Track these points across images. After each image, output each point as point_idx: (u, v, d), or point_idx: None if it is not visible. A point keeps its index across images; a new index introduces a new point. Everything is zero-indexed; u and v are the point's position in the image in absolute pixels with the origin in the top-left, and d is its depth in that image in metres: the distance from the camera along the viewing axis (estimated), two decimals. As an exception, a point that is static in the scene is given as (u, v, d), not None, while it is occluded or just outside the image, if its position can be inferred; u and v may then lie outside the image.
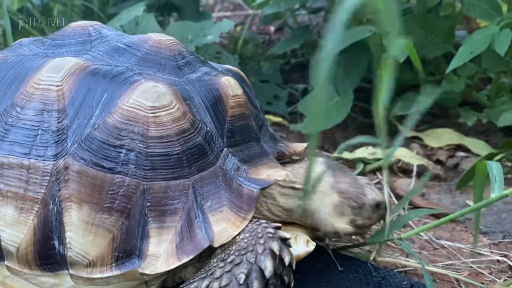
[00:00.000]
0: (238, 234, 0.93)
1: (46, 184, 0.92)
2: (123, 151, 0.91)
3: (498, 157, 1.67)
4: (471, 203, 1.57)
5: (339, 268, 1.15)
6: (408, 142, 2.02)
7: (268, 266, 0.87)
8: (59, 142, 0.93)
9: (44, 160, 0.93)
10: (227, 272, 0.88)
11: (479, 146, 1.91)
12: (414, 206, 1.56)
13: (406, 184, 1.69)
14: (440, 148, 1.96)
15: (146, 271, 0.90)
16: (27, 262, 0.93)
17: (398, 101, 1.99)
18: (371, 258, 1.23)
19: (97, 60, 1.02)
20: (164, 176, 0.92)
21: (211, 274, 0.89)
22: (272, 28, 3.48)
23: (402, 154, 1.84)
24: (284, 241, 0.92)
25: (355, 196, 1.10)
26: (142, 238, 0.91)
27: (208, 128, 0.99)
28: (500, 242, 1.38)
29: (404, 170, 1.81)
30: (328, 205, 1.10)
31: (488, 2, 1.81)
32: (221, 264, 0.90)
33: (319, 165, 1.14)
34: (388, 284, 1.12)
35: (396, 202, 1.59)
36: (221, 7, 4.06)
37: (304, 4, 2.56)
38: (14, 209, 0.92)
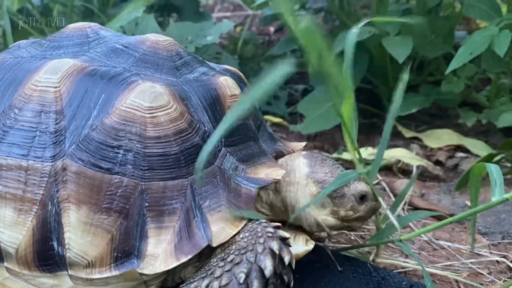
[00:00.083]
0: (238, 234, 0.93)
1: (44, 185, 0.92)
2: (121, 151, 0.92)
3: (498, 157, 1.67)
4: (470, 203, 1.58)
5: (339, 268, 1.15)
6: (407, 143, 2.02)
7: (268, 265, 0.87)
8: (57, 143, 0.94)
9: (43, 161, 0.93)
10: (227, 271, 0.88)
11: (478, 147, 1.91)
12: (413, 207, 1.56)
13: (405, 184, 1.69)
14: (439, 148, 1.96)
15: (145, 271, 0.90)
16: (27, 263, 0.93)
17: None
18: (371, 258, 1.23)
19: (95, 61, 1.02)
20: (162, 176, 0.93)
21: (211, 273, 0.90)
22: (272, 29, 3.48)
23: (402, 154, 1.84)
24: (284, 241, 0.92)
25: None
26: (141, 238, 0.91)
27: (206, 128, 0.99)
28: (499, 242, 1.38)
29: (404, 171, 1.81)
30: (307, 196, 1.07)
31: (487, 3, 1.81)
32: (221, 264, 0.90)
33: (299, 157, 1.12)
34: (387, 284, 1.11)
35: (399, 204, 1.59)
36: (220, 7, 4.06)
37: (304, 4, 2.56)
38: (13, 210, 0.93)
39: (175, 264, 0.89)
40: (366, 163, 1.80)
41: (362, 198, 1.08)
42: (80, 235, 0.90)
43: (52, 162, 0.93)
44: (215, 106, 1.02)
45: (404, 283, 1.12)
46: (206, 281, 0.89)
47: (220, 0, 4.11)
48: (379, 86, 2.22)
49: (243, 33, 2.85)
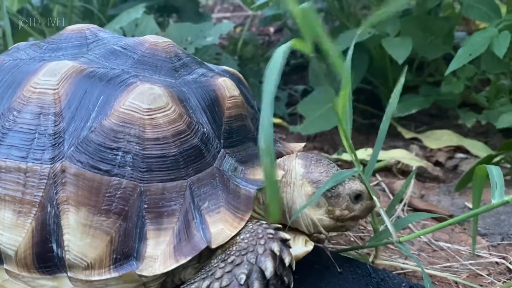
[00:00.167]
0: (239, 235, 0.93)
1: (43, 187, 0.92)
2: (120, 153, 0.92)
3: (497, 158, 1.67)
4: (470, 204, 1.57)
5: (338, 270, 1.15)
6: (407, 144, 2.02)
7: (268, 266, 0.88)
8: (56, 145, 0.94)
9: (42, 163, 0.93)
10: (227, 272, 0.88)
11: (478, 148, 1.91)
12: (413, 208, 1.56)
13: (405, 186, 1.69)
14: (439, 149, 1.96)
15: (144, 273, 0.90)
16: (26, 265, 0.93)
17: (397, 102, 1.99)
18: (370, 260, 1.23)
19: (94, 63, 1.02)
20: (161, 178, 0.93)
21: (212, 274, 0.90)
22: (271, 29, 3.48)
23: (401, 155, 1.84)
24: (285, 242, 0.92)
25: None
26: (140, 240, 0.91)
27: (205, 129, 0.99)
28: (499, 244, 1.38)
29: (404, 172, 1.81)
30: (302, 197, 1.07)
31: (487, 4, 1.81)
32: (222, 265, 0.90)
33: (295, 158, 1.11)
34: (387, 285, 1.11)
35: (396, 204, 1.59)
36: (220, 8, 4.06)
37: (303, 5, 2.55)
38: (12, 212, 0.93)
39: (174, 265, 0.89)
40: (364, 164, 1.81)
41: (357, 197, 1.08)
42: (79, 237, 0.90)
43: (51, 164, 0.93)
44: (214, 108, 1.02)
45: (403, 284, 1.12)
46: (206, 282, 0.89)
47: (220, 0, 4.11)
48: (379, 87, 2.22)
49: (243, 34, 2.85)
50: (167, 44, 1.08)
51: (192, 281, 0.92)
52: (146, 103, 0.93)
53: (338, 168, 1.11)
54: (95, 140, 0.92)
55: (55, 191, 0.92)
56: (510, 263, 1.28)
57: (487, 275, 1.23)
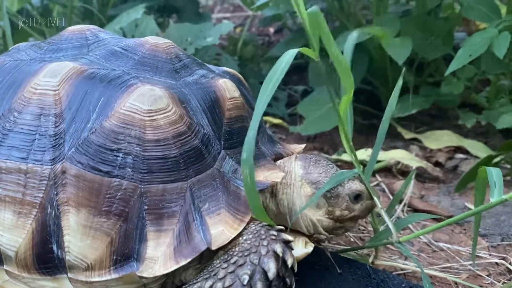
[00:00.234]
0: (241, 236, 0.93)
1: (44, 188, 0.92)
2: (120, 154, 0.92)
3: (497, 159, 1.67)
4: (470, 205, 1.57)
5: (338, 270, 1.15)
6: (407, 144, 2.02)
7: (271, 267, 0.88)
8: (57, 146, 0.94)
9: (42, 164, 0.93)
10: (230, 273, 0.88)
11: (478, 148, 1.91)
12: (413, 209, 1.56)
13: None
14: (439, 150, 1.96)
15: (144, 274, 0.90)
16: (26, 266, 0.93)
17: (397, 102, 1.99)
18: (370, 260, 1.23)
19: (94, 64, 1.02)
20: (162, 179, 0.93)
21: (214, 274, 0.90)
22: (271, 30, 3.48)
23: (401, 156, 1.84)
24: (287, 244, 0.93)
25: None
26: (140, 241, 0.91)
27: (205, 131, 0.99)
28: (498, 244, 1.38)
29: (403, 172, 1.81)
30: (302, 198, 1.07)
31: (487, 5, 1.81)
32: (224, 265, 0.90)
33: (295, 159, 1.12)
34: (386, 286, 1.11)
35: (396, 204, 1.59)
36: (220, 8, 4.06)
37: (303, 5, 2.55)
38: (12, 213, 0.93)
39: (174, 267, 0.89)
40: (364, 164, 1.81)
41: (357, 197, 1.08)
42: (80, 238, 0.90)
43: (52, 165, 0.93)
44: (214, 109, 1.02)
45: (403, 285, 1.12)
46: (209, 282, 0.89)
47: (220, 1, 4.11)
48: (379, 87, 2.22)
49: (243, 34, 2.85)
50: (167, 45, 1.08)
51: (194, 281, 0.92)
52: (146, 105, 0.93)
53: (337, 169, 1.12)
54: (95, 142, 0.92)
55: (55, 192, 0.92)
56: (510, 263, 1.28)
57: (487, 275, 1.23)
